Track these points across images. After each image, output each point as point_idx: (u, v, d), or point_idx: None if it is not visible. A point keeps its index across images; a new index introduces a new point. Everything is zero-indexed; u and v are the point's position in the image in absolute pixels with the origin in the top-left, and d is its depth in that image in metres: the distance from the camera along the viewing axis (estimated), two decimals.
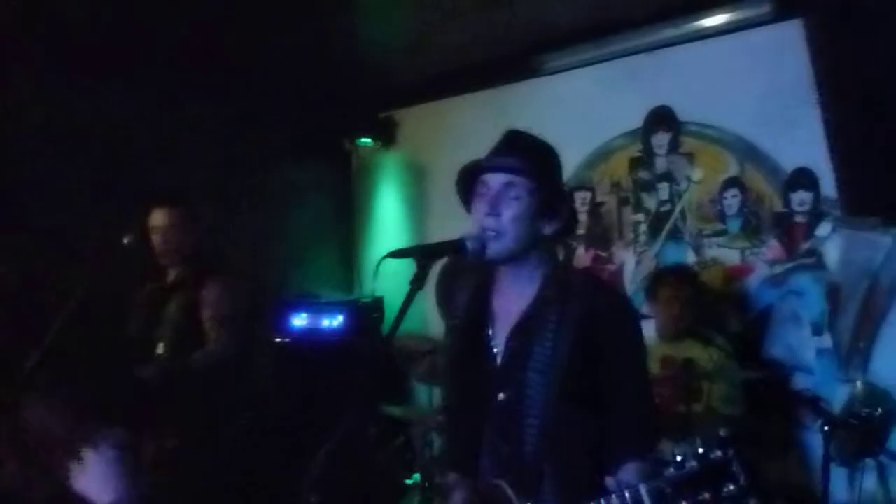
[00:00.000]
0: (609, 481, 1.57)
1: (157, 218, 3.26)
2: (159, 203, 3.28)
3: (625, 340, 1.75)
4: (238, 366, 3.35)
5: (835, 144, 3.14)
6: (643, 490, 1.37)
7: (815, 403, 3.15)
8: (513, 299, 1.80)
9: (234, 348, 3.21)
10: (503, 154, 1.79)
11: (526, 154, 1.77)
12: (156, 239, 3.24)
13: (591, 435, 1.71)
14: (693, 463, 1.32)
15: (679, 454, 1.33)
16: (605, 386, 1.70)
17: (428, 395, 4.20)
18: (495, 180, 1.74)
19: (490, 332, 1.82)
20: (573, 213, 1.90)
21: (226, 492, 3.44)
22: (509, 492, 1.71)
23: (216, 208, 4.56)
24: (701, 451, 1.32)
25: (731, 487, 1.28)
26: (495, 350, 1.80)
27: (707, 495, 1.30)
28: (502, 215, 1.71)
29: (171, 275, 3.32)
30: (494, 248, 1.71)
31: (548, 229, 1.76)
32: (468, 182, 1.83)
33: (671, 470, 1.34)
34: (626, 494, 1.40)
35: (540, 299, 1.76)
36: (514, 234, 1.71)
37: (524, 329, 1.75)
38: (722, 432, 1.34)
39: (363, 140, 5.36)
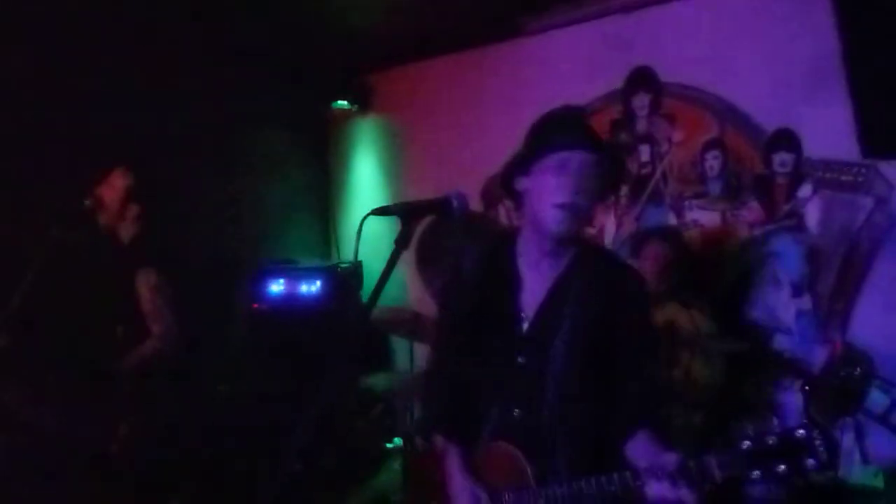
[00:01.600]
0: (632, 451, 1.65)
1: (111, 178, 3.15)
2: (116, 163, 3.18)
3: (643, 317, 1.84)
4: (209, 332, 3.27)
5: (856, 81, 3.06)
6: (713, 461, 1.39)
7: (794, 364, 3.18)
8: (546, 267, 1.83)
9: (170, 343, 3.10)
10: (578, 131, 1.78)
11: (594, 132, 1.80)
12: (105, 200, 3.12)
13: (604, 405, 1.75)
14: (773, 437, 1.34)
15: (754, 430, 1.37)
16: (620, 357, 1.75)
17: (409, 360, 4.17)
18: (583, 158, 1.73)
19: (517, 298, 1.83)
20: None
21: (206, 461, 3.41)
22: (520, 454, 1.73)
23: (188, 174, 4.48)
24: (781, 430, 1.35)
25: (812, 461, 1.30)
26: (522, 315, 1.81)
27: (783, 467, 1.31)
28: (587, 192, 1.72)
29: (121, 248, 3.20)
30: (572, 226, 1.73)
31: (606, 199, 1.87)
32: (539, 154, 1.79)
33: (747, 443, 1.36)
34: (691, 463, 1.42)
35: (572, 269, 1.81)
36: (590, 211, 1.77)
37: (556, 297, 1.79)
38: (805, 420, 1.38)
39: (339, 103, 5.27)
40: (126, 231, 3.18)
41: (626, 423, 1.72)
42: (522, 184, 1.82)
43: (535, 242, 1.83)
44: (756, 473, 1.34)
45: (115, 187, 3.14)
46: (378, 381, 3.85)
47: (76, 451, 3.05)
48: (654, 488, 1.46)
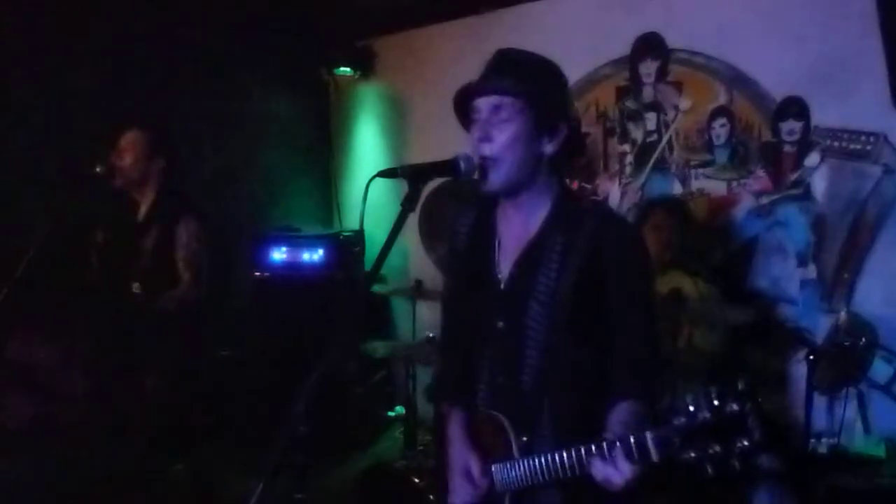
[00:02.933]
0: (610, 424, 1.53)
1: (125, 140, 3.14)
2: (128, 126, 3.17)
3: (632, 273, 1.67)
4: (209, 302, 3.30)
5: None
6: (649, 437, 1.30)
7: (798, 333, 3.17)
8: (519, 225, 1.73)
9: (199, 291, 3.15)
10: (490, 75, 1.69)
11: (513, 72, 1.67)
12: (123, 164, 3.12)
13: (591, 370, 1.65)
14: (706, 414, 1.22)
15: (692, 404, 1.24)
16: (608, 319, 1.63)
17: (410, 328, 4.17)
18: (485, 104, 1.66)
19: (495, 259, 1.75)
20: (577, 130, 1.79)
21: (209, 425, 3.43)
22: (506, 423, 1.66)
23: (190, 140, 4.45)
24: (716, 402, 1.21)
25: (745, 443, 1.18)
26: (499, 276, 1.73)
27: (717, 448, 1.20)
28: (494, 140, 1.62)
29: (143, 209, 3.23)
30: (492, 178, 1.63)
31: (549, 149, 1.67)
32: (463, 108, 1.74)
33: (682, 419, 1.25)
34: (631, 440, 1.33)
35: (547, 226, 1.69)
36: (511, 159, 1.63)
37: (529, 256, 1.69)
38: (741, 385, 1.20)
39: (341, 69, 5.21)
40: (151, 186, 3.19)
41: (609, 392, 1.61)
42: None
43: (506, 198, 1.75)
44: (690, 455, 1.22)
45: (133, 144, 3.14)
46: (378, 347, 3.85)
47: (103, 412, 3.12)
48: (596, 467, 1.39)
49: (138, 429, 3.09)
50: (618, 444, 1.35)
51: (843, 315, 3.10)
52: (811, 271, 3.33)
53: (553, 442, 1.60)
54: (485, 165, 1.63)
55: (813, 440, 2.95)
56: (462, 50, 4.69)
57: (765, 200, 3.46)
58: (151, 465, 3.16)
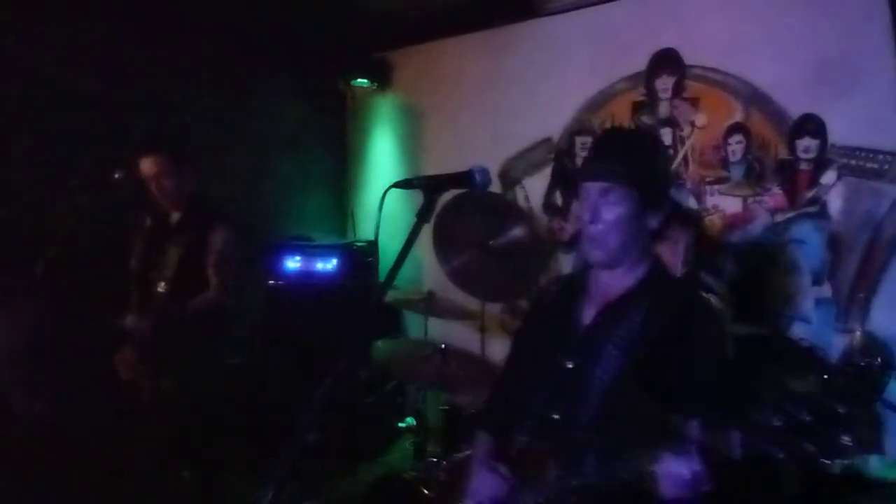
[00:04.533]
0: None
1: (146, 167, 3.21)
2: (146, 152, 3.22)
3: (706, 346, 1.72)
4: (230, 309, 3.35)
5: None
6: (736, 434, 1.33)
7: (812, 353, 3.14)
8: (610, 281, 1.83)
9: (230, 296, 3.21)
10: (598, 160, 1.79)
11: (621, 157, 1.76)
12: (150, 187, 3.22)
13: (646, 425, 1.64)
14: (809, 415, 1.25)
15: (790, 405, 1.27)
16: (674, 380, 1.66)
17: (423, 335, 4.17)
18: (594, 188, 1.75)
19: (580, 306, 1.86)
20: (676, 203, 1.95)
21: (221, 430, 3.45)
22: (550, 460, 1.70)
23: (207, 150, 4.49)
24: (822, 403, 1.27)
25: (846, 438, 1.24)
26: (581, 321, 1.83)
27: (812, 448, 1.24)
28: (602, 221, 1.74)
29: (174, 216, 3.30)
30: (595, 256, 1.77)
31: (652, 223, 1.79)
32: (575, 186, 1.88)
33: (778, 421, 1.27)
34: (711, 437, 1.37)
35: (637, 287, 1.80)
36: (616, 239, 1.75)
37: (615, 307, 1.78)
38: (849, 386, 1.27)
39: (358, 81, 5.25)
40: (184, 197, 3.26)
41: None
42: None
43: None
44: (781, 454, 1.25)
45: (163, 166, 3.23)
46: (380, 347, 3.84)
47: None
48: (667, 465, 1.42)
49: (151, 430, 3.11)
50: (696, 443, 1.40)
51: (857, 335, 3.07)
52: (826, 290, 3.31)
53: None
54: (588, 241, 1.77)
55: (825, 461, 2.91)
56: (478, 63, 4.72)
57: (780, 218, 3.45)
58: (160, 470, 3.19)
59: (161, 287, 3.14)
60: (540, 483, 1.69)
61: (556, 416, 1.76)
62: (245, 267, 3.37)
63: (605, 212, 1.73)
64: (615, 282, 1.82)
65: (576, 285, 1.93)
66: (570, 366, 1.78)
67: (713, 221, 3.64)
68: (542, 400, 1.81)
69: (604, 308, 1.80)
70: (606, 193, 1.73)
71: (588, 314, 1.83)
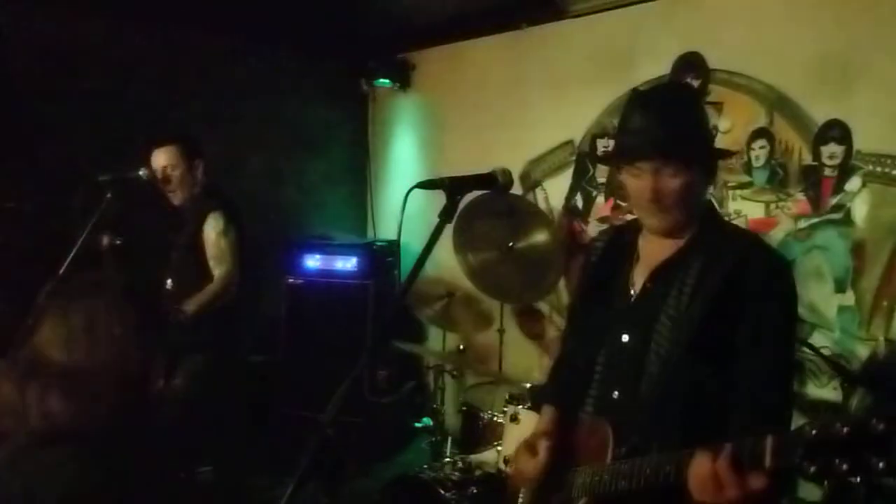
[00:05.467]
0: None
1: (158, 157, 3.26)
2: (159, 143, 3.28)
3: (773, 307, 1.59)
4: (245, 302, 3.36)
5: None
6: (768, 442, 1.20)
7: (834, 361, 3.11)
8: (661, 243, 1.72)
9: (233, 282, 3.22)
10: (648, 135, 1.63)
11: (672, 127, 1.62)
12: (174, 177, 3.26)
13: (711, 395, 1.59)
14: (843, 429, 1.08)
15: (829, 418, 1.13)
16: (739, 349, 1.57)
17: (441, 339, 4.18)
18: (649, 165, 1.63)
19: (630, 273, 1.77)
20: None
21: (238, 426, 3.47)
22: (609, 432, 1.65)
23: (230, 150, 4.53)
24: (861, 419, 1.09)
25: (882, 464, 1.06)
26: (631, 290, 1.75)
27: (845, 465, 1.08)
28: (663, 197, 1.63)
29: (177, 208, 3.35)
30: (658, 226, 1.68)
31: (710, 189, 1.79)
32: (616, 157, 1.74)
33: (813, 430, 1.13)
34: (747, 442, 1.24)
35: (688, 246, 1.68)
36: (681, 208, 1.65)
37: (665, 272, 1.68)
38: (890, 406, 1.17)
39: (380, 81, 5.26)
40: (192, 190, 3.30)
41: (731, 427, 1.53)
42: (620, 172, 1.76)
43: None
44: (812, 468, 1.12)
45: (175, 158, 3.25)
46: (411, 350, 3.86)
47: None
48: (698, 465, 1.31)
49: (164, 428, 3.13)
50: (729, 444, 1.27)
51: (881, 343, 3.04)
52: (849, 297, 3.27)
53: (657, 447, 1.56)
54: (652, 212, 1.66)
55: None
56: (501, 64, 4.72)
57: (803, 224, 3.42)
58: (179, 467, 3.21)
59: (169, 284, 3.17)
60: (594, 465, 1.65)
61: (615, 395, 1.71)
62: (245, 256, 3.36)
63: (664, 186, 1.62)
64: (665, 241, 1.71)
65: (623, 245, 1.83)
66: (626, 338, 1.71)
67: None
68: (604, 376, 1.76)
69: (653, 274, 1.70)
70: (664, 168, 1.62)
71: (638, 280, 1.74)
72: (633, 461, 1.53)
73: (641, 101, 1.69)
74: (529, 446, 1.83)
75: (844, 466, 1.09)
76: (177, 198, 3.33)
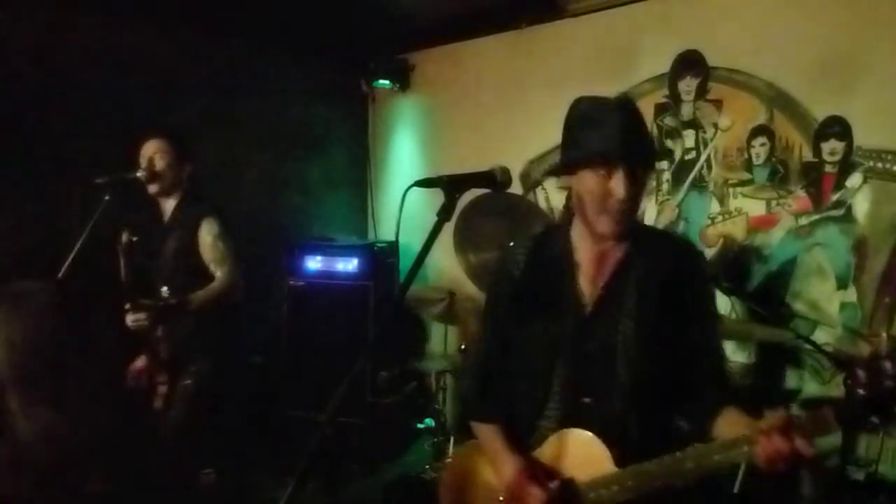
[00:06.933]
0: (727, 425, 1.63)
1: (147, 148, 3.25)
2: (149, 135, 3.27)
3: (706, 296, 1.88)
4: (244, 308, 3.35)
5: None
6: (830, 411, 1.42)
7: (836, 358, 3.10)
8: (600, 252, 1.81)
9: (237, 280, 3.21)
10: (634, 143, 1.70)
11: (647, 143, 1.81)
12: (157, 170, 3.22)
13: (671, 383, 1.74)
14: (890, 381, 1.37)
15: (867, 377, 1.40)
16: (686, 336, 1.75)
17: (443, 340, 4.18)
18: (622, 171, 1.68)
19: (576, 284, 1.81)
20: None
21: (240, 427, 3.47)
22: (599, 441, 1.69)
23: (229, 151, 4.53)
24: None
25: None
26: (583, 301, 1.80)
27: None
28: (630, 200, 1.70)
29: (167, 213, 3.30)
30: (617, 231, 1.72)
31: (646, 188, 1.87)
32: (587, 157, 1.73)
33: (861, 392, 1.40)
34: (805, 415, 1.45)
35: (631, 252, 1.80)
36: (634, 213, 1.75)
37: (617, 280, 1.78)
38: None
39: (380, 82, 5.26)
40: (178, 191, 3.28)
41: (709, 402, 1.71)
42: (567, 180, 1.79)
43: (588, 232, 1.80)
44: (874, 418, 1.38)
45: (163, 152, 3.23)
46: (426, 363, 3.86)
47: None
48: (766, 445, 1.44)
49: (170, 429, 3.13)
50: (797, 418, 1.44)
51: (883, 339, 3.03)
52: (851, 294, 3.27)
53: (641, 455, 1.64)
54: (611, 218, 1.71)
55: (850, 466, 2.88)
56: (500, 64, 4.72)
57: (804, 221, 3.41)
58: (182, 469, 3.20)
59: (164, 291, 3.15)
60: (603, 477, 1.67)
61: (587, 400, 1.75)
62: (252, 265, 3.35)
63: (633, 191, 1.69)
64: (604, 249, 1.81)
65: (552, 255, 1.87)
66: (590, 347, 1.76)
67: (736, 224, 3.61)
68: (566, 385, 1.77)
69: (607, 283, 1.78)
70: (637, 173, 1.69)
71: (588, 291, 1.79)
72: (668, 459, 1.59)
73: (626, 115, 1.73)
74: (529, 477, 1.75)
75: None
76: (162, 196, 3.29)
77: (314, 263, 4.71)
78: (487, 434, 1.93)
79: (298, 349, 4.57)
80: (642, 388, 1.71)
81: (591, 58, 4.20)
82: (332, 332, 4.42)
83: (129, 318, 2.96)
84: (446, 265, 3.93)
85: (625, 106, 1.75)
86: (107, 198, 2.99)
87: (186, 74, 4.36)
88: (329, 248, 4.76)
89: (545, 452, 1.79)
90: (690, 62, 3.77)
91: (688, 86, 3.79)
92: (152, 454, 3.18)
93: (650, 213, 3.94)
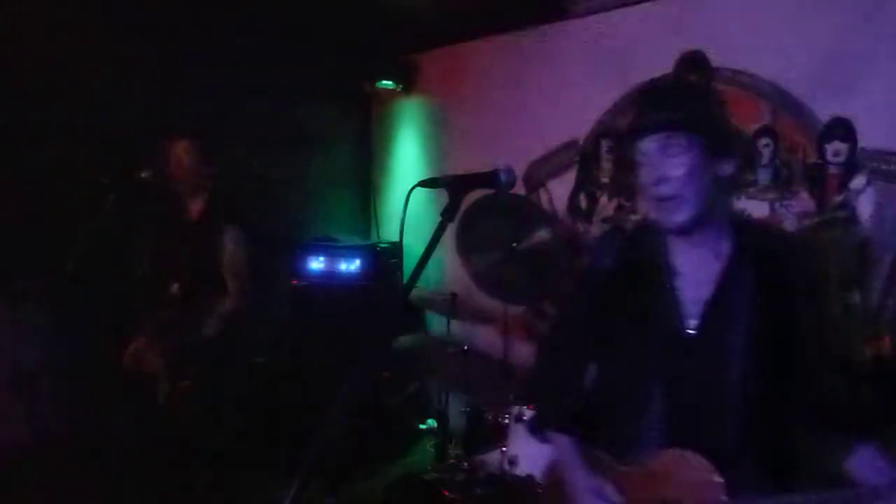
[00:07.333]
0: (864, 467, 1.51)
1: (175, 148, 3.32)
2: (179, 136, 3.29)
3: (824, 306, 1.63)
4: (252, 308, 3.36)
5: None
6: None
7: (838, 360, 3.09)
8: (701, 261, 1.64)
9: (245, 300, 3.23)
10: (648, 113, 1.61)
11: (672, 104, 1.60)
12: (174, 168, 3.26)
13: (789, 407, 1.58)
14: None
15: None
16: (805, 352, 1.56)
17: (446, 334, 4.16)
18: (650, 144, 1.59)
19: (676, 299, 1.65)
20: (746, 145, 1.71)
21: (241, 430, 3.47)
22: (708, 466, 1.52)
23: (233, 151, 4.53)
24: None
25: None
26: (684, 317, 1.64)
27: None
28: (670, 179, 1.56)
29: (194, 211, 3.34)
30: (675, 220, 1.59)
31: (727, 170, 1.60)
32: (629, 152, 1.67)
33: None
34: None
35: (735, 260, 1.62)
36: (692, 193, 1.57)
37: (722, 294, 1.60)
38: None
39: (384, 83, 5.27)
40: (202, 191, 3.31)
41: (841, 433, 1.56)
42: None
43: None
44: None
45: (187, 152, 3.27)
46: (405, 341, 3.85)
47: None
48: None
49: (170, 430, 3.13)
50: None
51: (887, 342, 3.02)
52: (855, 296, 3.26)
53: (755, 486, 1.50)
54: (664, 206, 1.59)
55: None
56: (503, 65, 4.72)
57: (808, 222, 3.40)
58: (181, 472, 3.21)
59: (175, 289, 3.17)
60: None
61: (690, 422, 1.59)
62: (256, 266, 3.37)
63: (670, 168, 1.56)
64: (705, 258, 1.63)
65: (646, 255, 1.71)
66: (692, 366, 1.60)
67: None
68: (665, 406, 1.62)
69: (711, 299, 1.60)
70: (666, 147, 1.56)
71: (691, 307, 1.63)
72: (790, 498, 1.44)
73: (652, 88, 1.70)
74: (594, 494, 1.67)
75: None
76: (188, 196, 3.33)
77: (317, 264, 4.71)
78: (563, 445, 1.84)
79: (301, 349, 4.56)
80: (754, 410, 1.55)
81: (594, 59, 4.19)
82: (334, 333, 4.42)
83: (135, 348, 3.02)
84: (449, 266, 3.93)
85: (664, 81, 1.71)
86: (112, 198, 3.00)
87: (188, 75, 4.36)
88: (332, 249, 4.76)
89: (645, 474, 1.64)
90: (694, 63, 3.75)
91: None
92: (152, 453, 3.19)
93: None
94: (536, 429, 2.00)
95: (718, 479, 1.50)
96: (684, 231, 1.62)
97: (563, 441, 1.83)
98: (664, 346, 1.64)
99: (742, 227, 1.66)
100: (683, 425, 1.60)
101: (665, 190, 1.57)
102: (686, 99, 1.64)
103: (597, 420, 1.78)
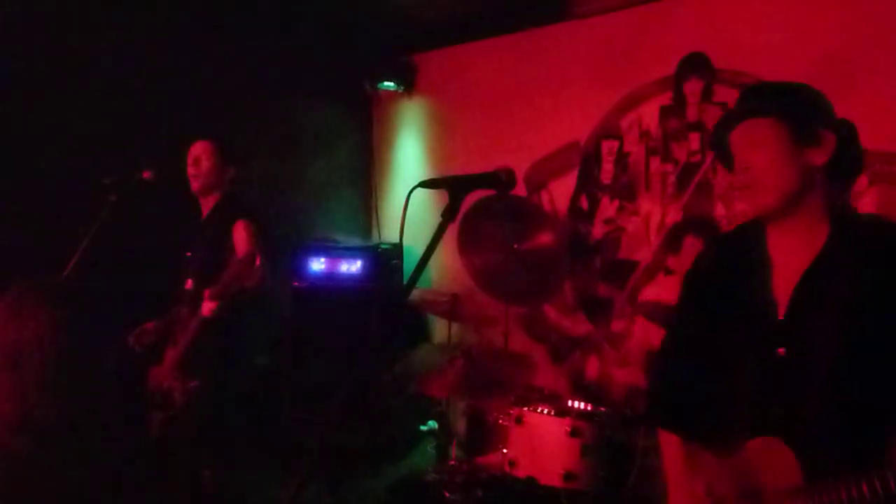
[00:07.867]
0: None
1: (195, 148, 3.35)
2: (199, 137, 3.38)
3: None
4: (250, 305, 3.36)
5: None
6: None
7: None
8: (795, 250, 1.62)
9: (268, 273, 3.23)
10: (736, 105, 1.65)
11: (755, 95, 1.64)
12: (201, 170, 3.31)
13: (879, 401, 1.54)
14: None
15: None
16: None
17: (447, 338, 4.17)
18: (736, 136, 1.61)
19: (769, 287, 1.64)
20: (850, 138, 1.66)
21: (244, 430, 3.47)
22: (790, 453, 1.55)
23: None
24: None
25: None
26: (776, 304, 1.63)
27: None
28: (751, 166, 1.57)
29: (206, 210, 3.37)
30: (758, 204, 1.59)
31: (817, 158, 1.58)
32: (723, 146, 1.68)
33: None
34: None
35: (830, 250, 1.58)
36: (773, 180, 1.57)
37: (814, 281, 1.58)
38: None
39: (385, 84, 5.26)
40: (219, 192, 3.36)
41: None
42: None
43: (775, 224, 1.66)
44: None
45: (208, 153, 3.34)
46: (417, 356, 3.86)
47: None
48: None
49: (178, 431, 3.13)
50: None
51: None
52: None
53: (835, 476, 1.48)
54: (746, 192, 1.60)
55: None
56: (505, 66, 4.71)
57: None
58: (182, 471, 3.20)
59: (190, 286, 3.17)
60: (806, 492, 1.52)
61: (778, 410, 1.59)
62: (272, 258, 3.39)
63: (751, 155, 1.56)
64: (799, 247, 1.60)
65: (746, 249, 1.70)
66: (783, 353, 1.60)
67: None
68: (756, 393, 1.63)
69: (802, 286, 1.59)
70: (749, 134, 1.57)
71: (783, 294, 1.62)
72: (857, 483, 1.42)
73: (744, 90, 1.70)
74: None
75: None
76: (203, 196, 3.36)
77: (318, 265, 4.71)
78: (672, 444, 1.84)
79: (302, 350, 4.56)
80: (840, 401, 1.53)
81: (596, 60, 4.19)
82: (335, 334, 4.41)
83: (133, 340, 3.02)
84: (450, 267, 3.93)
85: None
86: (112, 198, 3.01)
87: (188, 75, 4.36)
88: (333, 250, 4.76)
89: (737, 464, 1.65)
90: (696, 64, 3.76)
91: (693, 88, 3.78)
92: (158, 453, 3.19)
93: (655, 215, 3.92)
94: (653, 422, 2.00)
95: (797, 465, 1.52)
96: (771, 219, 1.63)
97: (672, 440, 1.84)
98: (756, 334, 1.65)
99: (841, 218, 1.62)
100: (773, 412, 1.60)
101: (745, 178, 1.59)
102: (773, 89, 1.67)
103: (696, 411, 1.79)
